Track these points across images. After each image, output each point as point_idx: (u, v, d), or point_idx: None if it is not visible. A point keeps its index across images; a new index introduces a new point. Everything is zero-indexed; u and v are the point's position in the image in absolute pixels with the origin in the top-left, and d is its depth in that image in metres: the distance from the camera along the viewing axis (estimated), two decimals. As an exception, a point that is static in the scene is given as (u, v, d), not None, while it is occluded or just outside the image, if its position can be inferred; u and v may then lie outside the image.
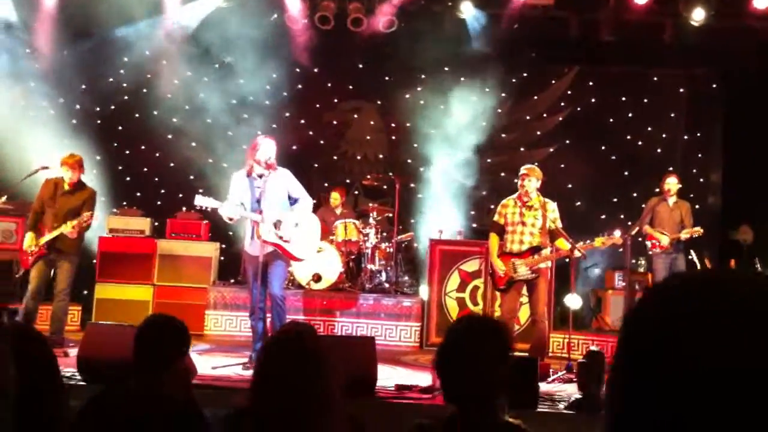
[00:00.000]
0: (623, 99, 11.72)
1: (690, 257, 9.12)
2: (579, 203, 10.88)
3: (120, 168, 11.40)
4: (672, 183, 9.02)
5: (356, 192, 11.93)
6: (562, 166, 11.30)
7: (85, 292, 9.64)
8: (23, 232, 8.17)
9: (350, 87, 12.07)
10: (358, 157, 12.15)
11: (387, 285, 9.88)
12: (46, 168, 7.93)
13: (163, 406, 2.98)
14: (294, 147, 10.98)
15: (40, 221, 7.80)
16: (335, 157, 12.11)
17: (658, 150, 11.60)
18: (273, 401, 2.05)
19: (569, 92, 11.82)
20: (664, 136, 11.67)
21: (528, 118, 11.85)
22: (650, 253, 9.13)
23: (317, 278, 9.25)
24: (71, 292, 8.02)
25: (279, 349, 2.21)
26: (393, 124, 12.06)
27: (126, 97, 11.41)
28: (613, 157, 11.60)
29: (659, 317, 0.87)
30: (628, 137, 11.61)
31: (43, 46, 11.05)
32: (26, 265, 7.67)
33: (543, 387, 6.19)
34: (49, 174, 7.93)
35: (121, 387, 3.21)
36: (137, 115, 11.51)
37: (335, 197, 10.72)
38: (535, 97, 11.89)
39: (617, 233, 7.49)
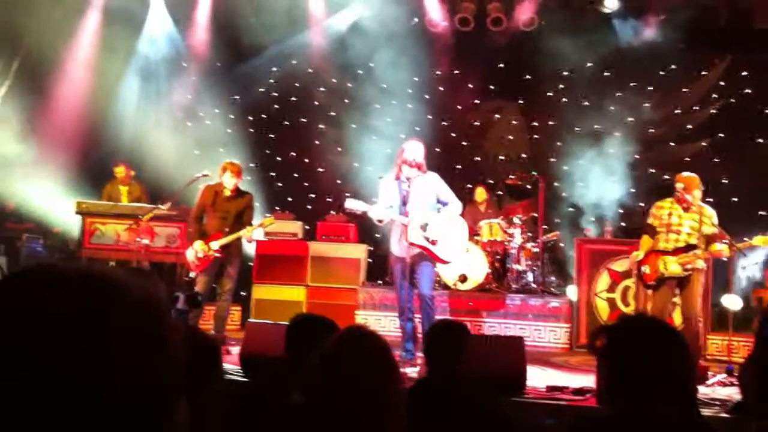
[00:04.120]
0: (781, 88, 11.09)
1: None
2: (735, 199, 10.37)
3: (272, 174, 11.92)
4: None
5: (500, 192, 11.89)
6: (716, 160, 10.83)
7: (243, 293, 10.10)
8: (185, 238, 8.58)
9: (491, 87, 12.03)
10: (501, 157, 12.11)
11: (534, 285, 9.78)
12: (206, 176, 8.33)
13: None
14: (437, 149, 11.10)
15: (202, 227, 8.23)
16: (478, 158, 12.13)
17: (821, 141, 10.91)
18: (333, 400, 2.00)
19: (721, 83, 11.29)
20: (827, 125, 10.96)
21: (677, 111, 11.42)
22: None
23: (463, 279, 9.28)
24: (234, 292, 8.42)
25: (341, 349, 2.14)
26: (535, 123, 11.94)
27: (276, 106, 11.92)
28: (772, 150, 11.01)
29: None
30: (788, 128, 10.99)
31: (198, 60, 11.72)
32: (200, 269, 7.99)
33: (702, 390, 5.99)
34: (207, 182, 8.31)
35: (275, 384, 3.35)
36: (287, 123, 12.01)
37: (480, 192, 10.71)
38: (685, 90, 11.44)
39: None
